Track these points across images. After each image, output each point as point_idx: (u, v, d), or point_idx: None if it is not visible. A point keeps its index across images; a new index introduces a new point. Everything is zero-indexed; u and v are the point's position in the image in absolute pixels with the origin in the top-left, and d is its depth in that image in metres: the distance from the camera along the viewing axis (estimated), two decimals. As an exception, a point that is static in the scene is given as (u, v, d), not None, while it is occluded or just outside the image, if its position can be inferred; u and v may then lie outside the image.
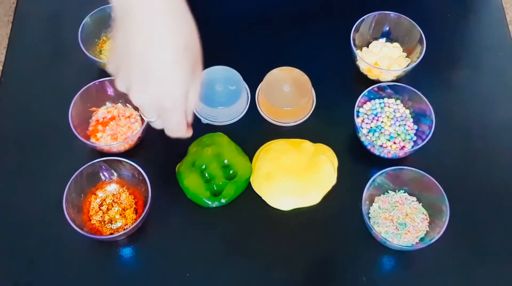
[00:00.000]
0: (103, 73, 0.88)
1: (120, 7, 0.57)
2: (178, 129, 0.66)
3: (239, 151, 0.83)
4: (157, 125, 0.67)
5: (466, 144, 0.85)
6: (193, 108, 0.65)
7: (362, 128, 0.83)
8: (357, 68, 0.90)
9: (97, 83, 0.83)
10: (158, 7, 0.55)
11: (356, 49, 0.88)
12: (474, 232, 0.79)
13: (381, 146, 0.82)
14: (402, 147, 0.82)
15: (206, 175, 0.80)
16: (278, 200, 0.80)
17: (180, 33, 0.57)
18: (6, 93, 0.89)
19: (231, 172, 0.81)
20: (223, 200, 0.79)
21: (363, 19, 0.88)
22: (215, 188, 0.80)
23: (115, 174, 0.80)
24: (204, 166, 0.80)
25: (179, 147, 0.84)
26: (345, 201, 0.80)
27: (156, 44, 0.57)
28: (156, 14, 0.55)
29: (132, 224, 0.76)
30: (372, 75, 0.88)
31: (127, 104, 0.86)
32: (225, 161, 0.81)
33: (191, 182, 0.79)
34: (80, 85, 0.83)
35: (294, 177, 0.80)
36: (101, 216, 0.78)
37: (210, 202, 0.79)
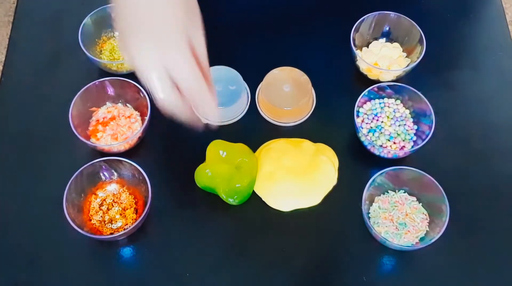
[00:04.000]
0: (103, 73, 0.88)
1: None
2: (200, 88, 0.66)
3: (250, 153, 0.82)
4: (172, 102, 0.65)
5: (466, 144, 0.85)
6: (203, 56, 0.67)
7: (362, 128, 0.83)
8: (357, 68, 0.90)
9: (97, 83, 0.83)
10: None
11: (356, 49, 0.88)
12: (474, 231, 0.79)
13: (381, 146, 0.82)
14: (402, 147, 0.82)
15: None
16: (279, 201, 0.80)
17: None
18: (7, 93, 0.89)
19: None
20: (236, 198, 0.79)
21: (363, 19, 0.88)
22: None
23: (115, 174, 0.80)
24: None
25: (179, 147, 0.84)
26: (345, 201, 0.80)
27: (156, 10, 0.64)
28: None
29: (132, 224, 0.77)
30: (372, 75, 0.88)
31: (127, 104, 0.86)
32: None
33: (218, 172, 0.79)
34: (80, 85, 0.83)
35: (295, 178, 0.80)
36: (101, 216, 0.78)
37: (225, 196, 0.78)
